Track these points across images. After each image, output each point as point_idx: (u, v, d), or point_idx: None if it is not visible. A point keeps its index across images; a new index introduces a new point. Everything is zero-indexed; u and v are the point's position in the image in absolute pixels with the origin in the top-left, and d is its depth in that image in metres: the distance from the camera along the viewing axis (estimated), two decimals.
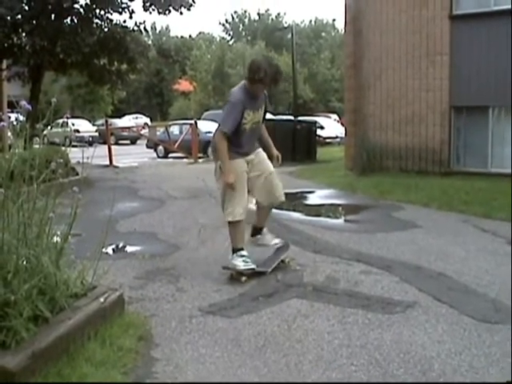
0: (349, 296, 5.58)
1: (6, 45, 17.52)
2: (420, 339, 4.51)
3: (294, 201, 11.28)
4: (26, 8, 17.47)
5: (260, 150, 6.58)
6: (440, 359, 4.15)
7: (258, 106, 6.34)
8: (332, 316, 5.04)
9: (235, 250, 6.22)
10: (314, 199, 12.40)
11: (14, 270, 3.84)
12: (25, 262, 4.01)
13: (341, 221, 10.15)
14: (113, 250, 7.45)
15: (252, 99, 6.24)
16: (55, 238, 4.49)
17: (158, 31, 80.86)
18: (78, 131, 33.94)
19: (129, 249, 7.61)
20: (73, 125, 34.67)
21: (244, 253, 6.19)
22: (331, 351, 4.31)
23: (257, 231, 6.73)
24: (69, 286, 4.36)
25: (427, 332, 4.65)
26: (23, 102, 4.23)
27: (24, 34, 17.59)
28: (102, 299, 4.53)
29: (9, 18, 16.84)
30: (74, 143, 5.39)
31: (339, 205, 11.54)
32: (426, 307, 5.25)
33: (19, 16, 17.27)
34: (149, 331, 4.67)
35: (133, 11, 18.82)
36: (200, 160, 22.12)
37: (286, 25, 70.72)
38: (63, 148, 5.99)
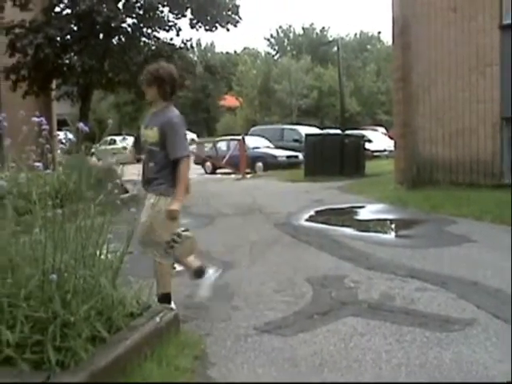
0: (405, 314, 5.48)
1: (55, 65, 17.89)
2: (481, 358, 4.39)
3: (344, 216, 11.19)
4: (75, 28, 17.83)
5: None
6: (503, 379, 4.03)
7: None
8: (389, 334, 4.95)
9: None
10: (364, 214, 12.26)
11: (73, 291, 3.86)
12: (82, 283, 4.04)
13: (392, 236, 10.03)
14: None
15: None
16: (110, 257, 4.52)
17: (203, 47, 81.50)
18: (125, 148, 34.19)
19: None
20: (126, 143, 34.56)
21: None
22: (390, 370, 4.23)
23: None
24: (125, 305, 4.38)
25: (488, 351, 4.53)
26: (81, 124, 4.27)
27: (73, 54, 17.93)
28: (158, 319, 4.53)
29: (58, 38, 17.21)
30: (121, 161, 5.41)
31: (390, 219, 11.41)
32: (486, 325, 5.12)
33: (68, 36, 17.66)
34: (204, 350, 4.65)
35: (180, 29, 19.09)
36: (248, 176, 22.16)
37: (330, 38, 70.63)
38: (119, 167, 6.03)
